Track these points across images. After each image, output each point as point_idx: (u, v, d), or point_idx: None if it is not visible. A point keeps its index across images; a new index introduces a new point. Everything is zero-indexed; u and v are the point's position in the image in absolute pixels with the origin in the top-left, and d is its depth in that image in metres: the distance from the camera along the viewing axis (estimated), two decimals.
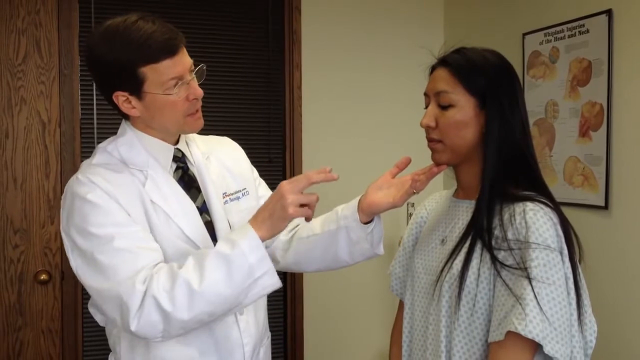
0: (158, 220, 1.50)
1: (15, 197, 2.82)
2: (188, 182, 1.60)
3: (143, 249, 1.42)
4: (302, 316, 3.22)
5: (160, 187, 1.52)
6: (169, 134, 1.58)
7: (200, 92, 1.52)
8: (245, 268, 1.36)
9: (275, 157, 3.22)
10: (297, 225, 1.77)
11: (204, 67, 1.53)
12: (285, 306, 3.24)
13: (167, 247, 1.49)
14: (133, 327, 1.36)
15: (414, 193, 1.55)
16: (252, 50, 3.18)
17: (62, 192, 2.85)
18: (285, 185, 1.40)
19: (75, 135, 2.89)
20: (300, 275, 3.20)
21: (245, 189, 1.72)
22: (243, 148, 3.13)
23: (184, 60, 1.47)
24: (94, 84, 1.55)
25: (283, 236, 1.75)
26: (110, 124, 2.94)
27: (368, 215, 1.60)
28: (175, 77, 1.45)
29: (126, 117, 1.57)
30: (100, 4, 2.93)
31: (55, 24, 2.86)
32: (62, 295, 2.88)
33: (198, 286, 1.35)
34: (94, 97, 2.94)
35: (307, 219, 1.44)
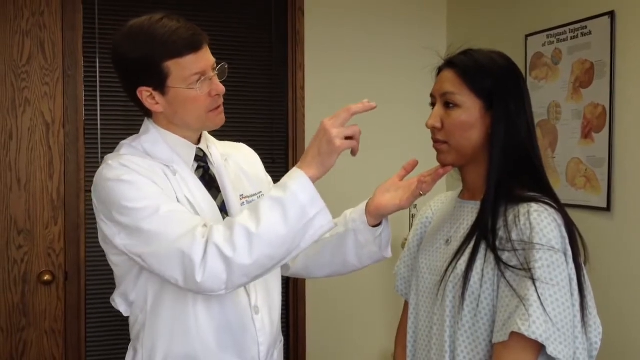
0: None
1: (19, 197, 2.83)
2: (209, 181, 1.63)
3: (191, 214, 1.47)
4: (305, 316, 3.23)
5: (187, 182, 1.55)
6: (191, 131, 1.61)
7: (222, 88, 1.55)
8: (299, 208, 1.37)
9: (278, 158, 3.22)
10: None
11: (226, 66, 1.57)
12: (289, 306, 3.24)
13: None
14: (199, 278, 1.36)
15: (421, 195, 1.56)
16: (255, 50, 3.19)
17: (65, 192, 2.87)
18: (326, 121, 1.40)
19: (79, 136, 2.90)
20: None
21: (261, 192, 1.73)
22: None
23: (207, 57, 1.52)
24: (121, 82, 1.58)
25: None
26: (114, 125, 2.95)
27: (376, 218, 1.62)
28: (198, 72, 1.49)
29: (149, 114, 1.60)
30: (104, 5, 2.93)
31: (60, 26, 2.87)
32: (65, 296, 2.89)
33: (256, 229, 1.35)
34: (98, 98, 2.95)
35: (353, 153, 1.46)
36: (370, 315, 3.34)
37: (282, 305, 3.20)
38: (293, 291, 3.23)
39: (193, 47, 1.48)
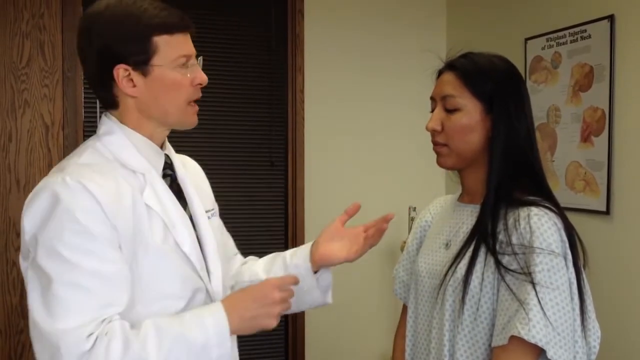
0: (153, 230, 1.33)
1: (18, 199, 2.82)
2: (177, 192, 1.46)
3: (107, 295, 1.24)
4: (304, 320, 3.22)
5: (159, 194, 1.38)
6: (162, 127, 1.43)
7: (205, 78, 1.42)
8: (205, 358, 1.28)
9: (277, 161, 3.22)
10: (246, 260, 1.73)
11: (201, 60, 1.45)
12: None
13: (160, 259, 1.33)
14: None
15: (370, 247, 1.56)
16: (255, 53, 3.19)
17: None
18: (277, 293, 1.33)
19: (78, 138, 2.89)
20: None
21: (214, 209, 1.64)
22: (245, 151, 3.17)
23: (191, 43, 1.41)
24: (87, 63, 1.38)
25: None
26: None
27: (319, 267, 1.59)
28: (186, 55, 1.37)
29: (114, 105, 1.39)
30: None
31: (59, 27, 2.86)
32: None
33: None
34: (97, 101, 2.94)
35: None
36: (369, 318, 3.33)
37: None
38: None
39: (184, 27, 1.37)
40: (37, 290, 1.24)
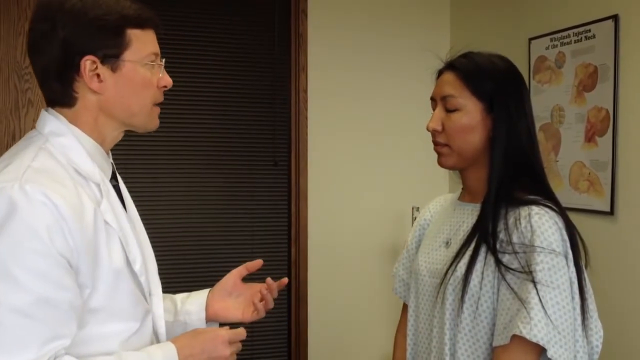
0: (111, 248, 1.21)
1: None
2: (122, 204, 1.33)
3: (57, 326, 1.10)
4: (307, 319, 3.22)
5: (114, 207, 1.26)
6: (120, 130, 1.31)
7: (171, 81, 1.32)
8: None
9: (280, 161, 3.22)
10: None
11: (164, 61, 1.34)
12: (290, 309, 3.24)
13: (117, 280, 1.21)
14: None
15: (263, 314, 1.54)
16: (257, 53, 3.19)
17: None
18: (225, 349, 1.30)
19: None
20: (305, 277, 3.20)
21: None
22: (248, 151, 3.18)
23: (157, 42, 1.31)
24: (39, 51, 1.23)
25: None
26: None
27: (210, 320, 1.53)
28: (155, 53, 1.28)
29: (70, 102, 1.24)
30: None
31: None
32: None
33: None
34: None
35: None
36: (371, 317, 3.33)
37: (284, 307, 3.21)
38: (295, 293, 3.22)
39: (155, 24, 1.28)
40: None
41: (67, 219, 1.11)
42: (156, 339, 1.35)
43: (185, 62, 2.98)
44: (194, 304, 1.51)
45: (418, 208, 3.12)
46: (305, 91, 3.20)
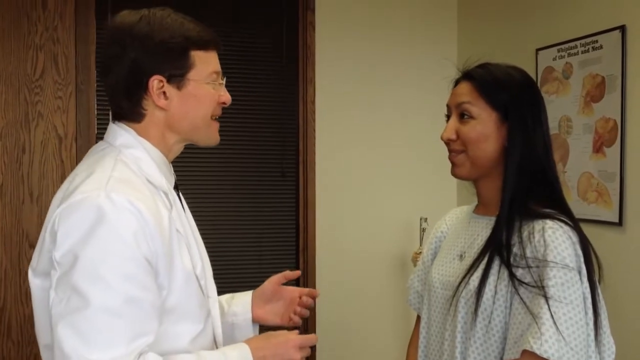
0: (182, 253, 1.30)
1: (32, 211, 2.85)
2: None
3: (143, 324, 1.19)
4: (315, 328, 3.22)
5: (181, 217, 1.36)
6: (183, 143, 1.41)
7: (230, 98, 1.42)
8: None
9: (288, 172, 3.23)
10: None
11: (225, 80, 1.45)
12: None
13: (187, 283, 1.30)
14: None
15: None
16: (266, 65, 3.21)
17: None
18: (297, 354, 1.34)
19: None
20: (313, 287, 3.20)
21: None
22: (256, 162, 3.19)
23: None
24: (111, 71, 1.33)
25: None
26: None
27: (254, 322, 1.61)
28: (216, 72, 1.38)
29: (138, 118, 1.34)
30: None
31: (73, 40, 2.89)
32: None
33: None
34: (110, 112, 2.96)
35: None
36: (379, 328, 3.32)
37: None
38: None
39: (216, 44, 1.38)
40: (67, 313, 1.15)
41: (150, 225, 1.20)
42: (214, 339, 1.41)
43: None
44: (239, 306, 1.58)
45: (426, 219, 3.12)
46: (313, 102, 3.21)
